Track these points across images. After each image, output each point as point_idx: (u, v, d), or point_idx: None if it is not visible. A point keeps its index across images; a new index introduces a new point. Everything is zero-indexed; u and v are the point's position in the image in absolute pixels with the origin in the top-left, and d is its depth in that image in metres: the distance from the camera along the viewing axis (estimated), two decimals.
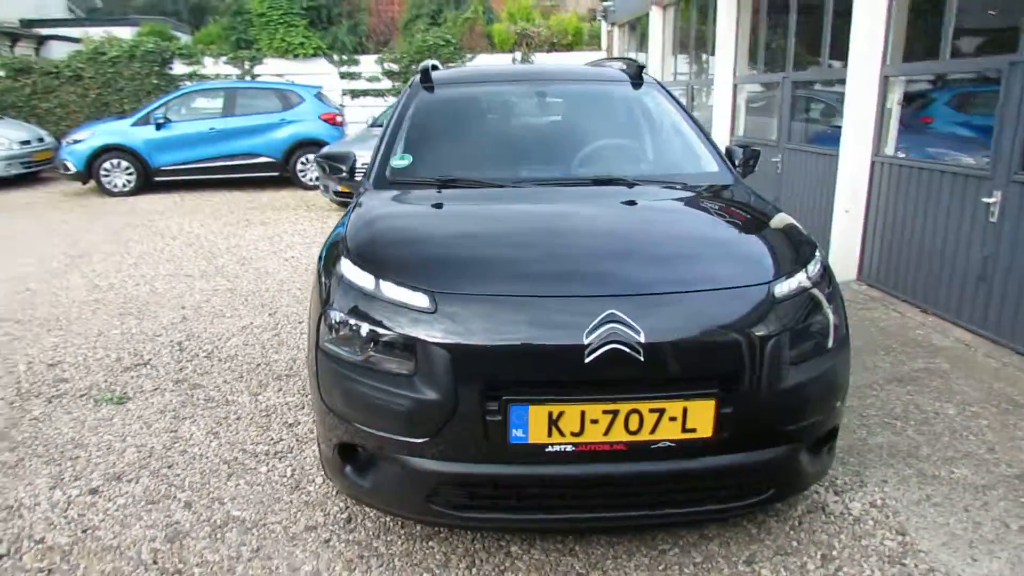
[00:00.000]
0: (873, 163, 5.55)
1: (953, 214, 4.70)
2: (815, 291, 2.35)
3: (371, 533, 2.65)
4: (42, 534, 2.67)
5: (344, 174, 3.40)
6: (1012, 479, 2.95)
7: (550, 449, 2.10)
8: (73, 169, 11.11)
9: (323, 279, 2.47)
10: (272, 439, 3.38)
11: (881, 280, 5.54)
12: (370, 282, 2.28)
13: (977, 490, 2.89)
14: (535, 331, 2.10)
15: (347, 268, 2.38)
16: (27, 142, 12.13)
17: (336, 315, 2.30)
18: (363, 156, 3.71)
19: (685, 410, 2.09)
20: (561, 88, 3.82)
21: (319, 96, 12.11)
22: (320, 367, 2.33)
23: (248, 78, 14.32)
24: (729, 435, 2.14)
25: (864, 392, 3.79)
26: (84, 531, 2.68)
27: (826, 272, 2.48)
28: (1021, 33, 4.18)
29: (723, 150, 3.45)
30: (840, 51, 5.87)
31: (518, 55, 14.47)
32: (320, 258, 2.66)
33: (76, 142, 11.15)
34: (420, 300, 2.17)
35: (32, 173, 12.38)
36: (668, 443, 2.11)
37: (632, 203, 2.80)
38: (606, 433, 2.09)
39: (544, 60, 14.08)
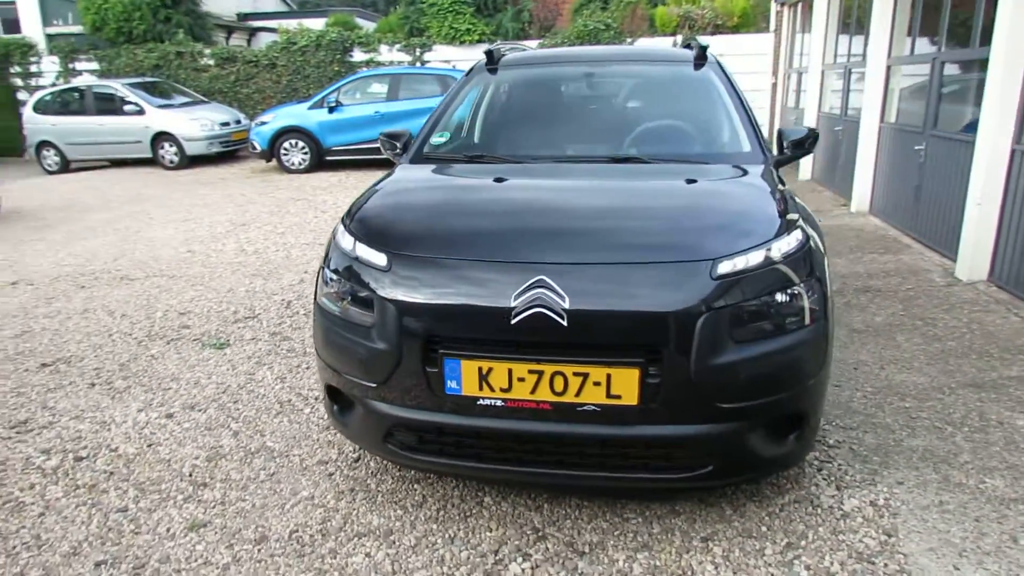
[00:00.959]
0: (1014, 152, 4.94)
1: None
2: (781, 271, 2.28)
3: (369, 472, 2.94)
4: (117, 444, 3.24)
5: (398, 150, 3.70)
6: None
7: (482, 402, 2.25)
8: (259, 148, 12.53)
9: (329, 242, 2.78)
10: None
11: (1013, 282, 4.94)
12: (350, 243, 2.55)
13: (1001, 502, 2.63)
14: (470, 292, 2.26)
15: (340, 232, 2.66)
16: (227, 123, 13.82)
17: (328, 273, 2.59)
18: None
19: (609, 376, 2.15)
20: (615, 69, 3.86)
21: None
22: (315, 319, 2.64)
23: (418, 64, 15.23)
24: (657, 406, 2.17)
25: (928, 394, 3.50)
26: (149, 446, 3.22)
27: (806, 255, 2.38)
28: None
29: (764, 132, 3.32)
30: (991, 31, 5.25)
31: (679, 38, 14.11)
32: None
33: (262, 124, 12.55)
34: (379, 259, 2.41)
35: (230, 151, 14.09)
36: (593, 407, 2.18)
37: (623, 181, 2.84)
38: (533, 392, 2.20)
39: (710, 41, 13.62)
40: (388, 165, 3.58)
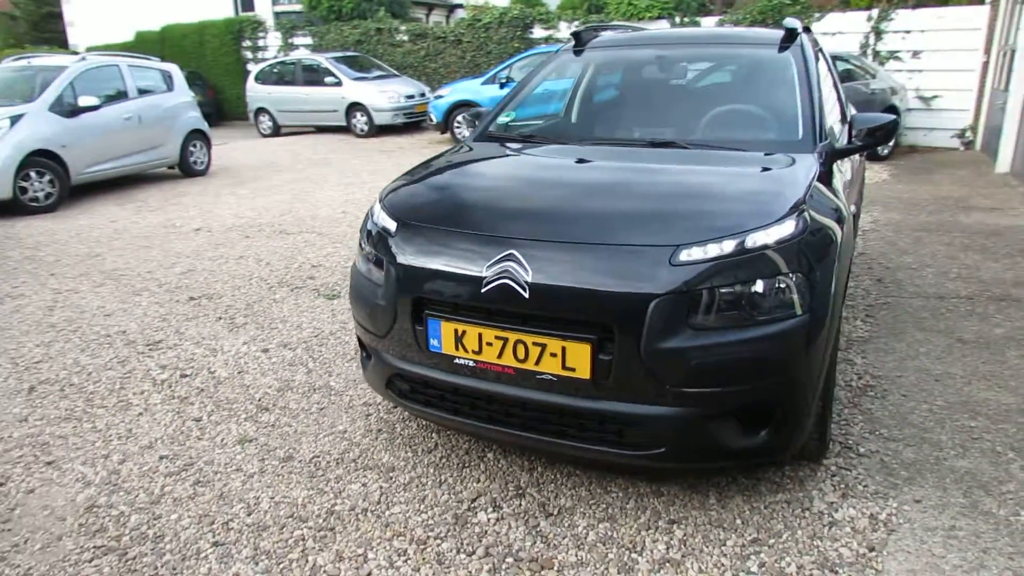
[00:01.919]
0: None
1: None
2: (758, 261, 2.24)
3: (399, 417, 3.26)
4: (216, 368, 3.83)
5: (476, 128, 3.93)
6: None
7: (457, 361, 2.46)
8: (435, 120, 13.33)
9: None
10: None
11: None
12: (377, 211, 2.84)
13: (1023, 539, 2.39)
14: (451, 260, 2.46)
15: (376, 202, 2.96)
16: (411, 96, 14.81)
17: (363, 237, 2.91)
18: None
19: (564, 349, 2.27)
20: (691, 53, 3.80)
21: None
22: (352, 278, 2.98)
23: None
24: (609, 382, 2.25)
25: (1008, 416, 3.17)
26: (239, 372, 3.78)
27: (798, 248, 2.31)
28: None
29: (839, 118, 3.16)
30: None
31: (874, 12, 12.91)
32: None
33: (439, 97, 13.33)
34: (391, 226, 2.68)
35: (415, 122, 15.09)
36: (550, 376, 2.31)
37: (634, 164, 2.90)
38: (499, 356, 2.37)
39: (906, 16, 12.32)
40: None
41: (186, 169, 10.16)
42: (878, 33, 12.13)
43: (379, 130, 14.69)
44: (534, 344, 2.31)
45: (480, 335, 2.39)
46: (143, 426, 3.22)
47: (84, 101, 8.38)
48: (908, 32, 11.98)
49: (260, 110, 15.93)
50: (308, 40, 17.95)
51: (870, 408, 3.28)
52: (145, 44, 21.01)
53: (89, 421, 3.26)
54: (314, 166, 11.01)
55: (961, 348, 3.92)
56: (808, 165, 2.79)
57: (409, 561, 2.33)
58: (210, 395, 3.52)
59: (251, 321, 4.53)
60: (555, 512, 2.58)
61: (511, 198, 2.71)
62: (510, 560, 2.34)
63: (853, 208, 4.00)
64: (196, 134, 10.26)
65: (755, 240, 2.27)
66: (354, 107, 14.74)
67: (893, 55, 12.15)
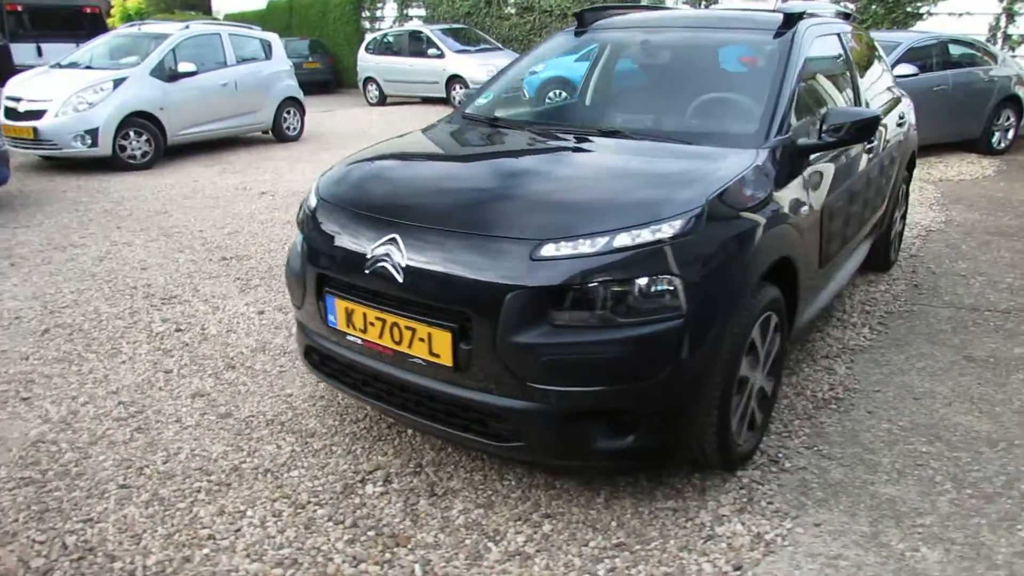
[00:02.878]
0: None
1: None
2: (631, 261, 2.17)
3: None
4: (209, 325, 4.11)
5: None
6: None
7: (349, 338, 2.55)
8: (527, 96, 13.31)
9: None
10: None
11: None
12: (312, 187, 2.95)
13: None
14: (346, 240, 2.53)
15: (318, 178, 3.07)
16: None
17: (299, 212, 3.03)
18: None
19: (430, 335, 2.30)
20: (683, 37, 3.64)
21: None
22: (290, 249, 3.11)
23: None
24: (469, 372, 2.27)
25: (971, 444, 2.90)
26: (227, 331, 4.04)
27: (679, 251, 2.21)
28: None
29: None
30: None
31: None
32: None
33: (533, 73, 13.27)
34: (312, 202, 2.80)
35: None
36: (421, 360, 2.36)
37: (560, 156, 2.86)
38: (380, 337, 2.44)
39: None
40: None
41: (279, 134, 10.74)
42: (1010, 15, 10.92)
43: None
44: (406, 328, 2.36)
45: (364, 315, 2.46)
46: (120, 373, 3.53)
47: (183, 67, 9.02)
48: None
49: (368, 79, 16.50)
50: (422, 12, 18.34)
51: (823, 422, 3.09)
52: (275, 13, 22.25)
53: (77, 364, 3.61)
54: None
55: (964, 366, 3.58)
56: (741, 161, 2.63)
57: (280, 522, 2.47)
58: (192, 350, 3.80)
59: (263, 284, 4.80)
60: (441, 493, 2.63)
61: (410, 182, 2.74)
62: (372, 533, 2.42)
63: (863, 209, 3.74)
64: (290, 101, 10.81)
65: (626, 239, 2.20)
66: (454, 79, 14.96)
67: None
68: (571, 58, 13.10)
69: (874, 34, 10.84)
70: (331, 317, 2.59)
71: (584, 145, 3.00)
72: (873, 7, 11.99)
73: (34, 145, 8.17)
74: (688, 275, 2.22)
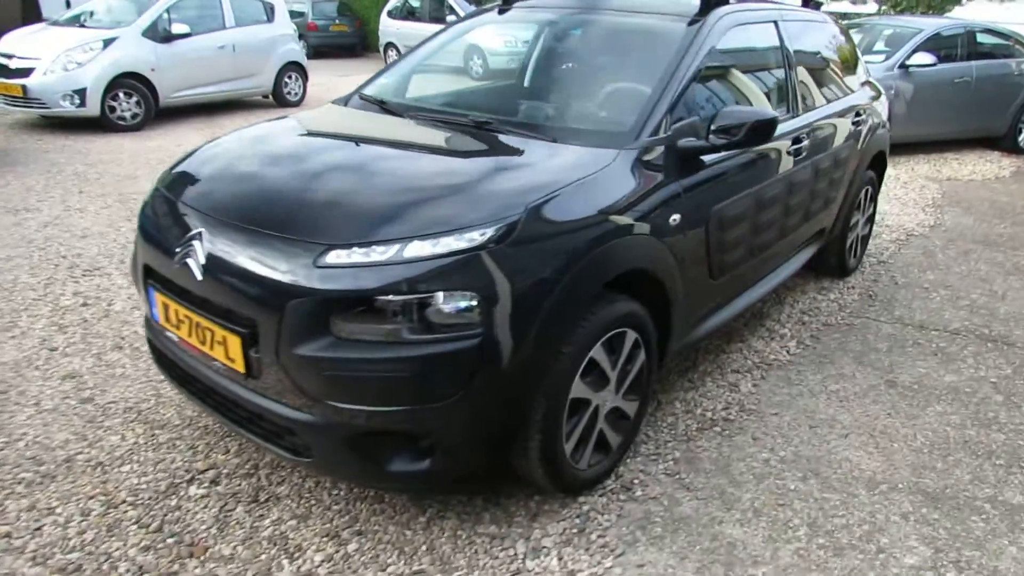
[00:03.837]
0: None
1: None
2: (419, 271, 2.00)
3: None
4: (115, 302, 4.05)
5: None
6: None
7: (168, 334, 2.44)
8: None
9: None
10: None
11: None
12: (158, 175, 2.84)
13: None
14: (164, 231, 2.41)
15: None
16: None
17: None
18: None
19: (225, 339, 2.18)
20: (595, 21, 3.38)
21: None
22: None
23: None
24: (264, 380, 2.14)
25: (848, 483, 2.67)
26: (131, 309, 3.97)
27: (479, 264, 2.03)
28: None
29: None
30: None
31: None
32: None
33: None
34: (149, 188, 2.67)
35: None
36: (220, 363, 2.23)
37: (398, 151, 2.72)
38: (189, 335, 2.32)
39: None
40: None
41: (280, 99, 10.66)
42: None
43: (494, 74, 14.55)
44: (207, 329, 2.23)
45: (176, 311, 2.34)
46: (4, 349, 3.49)
47: (177, 28, 8.96)
48: None
49: (388, 44, 16.32)
50: None
51: (700, 447, 2.89)
52: None
53: None
54: None
55: (881, 392, 3.33)
56: (592, 163, 2.43)
57: (85, 523, 2.39)
58: (88, 327, 3.74)
59: None
60: (263, 500, 2.53)
61: (233, 173, 2.58)
62: (171, 540, 2.33)
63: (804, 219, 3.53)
64: (292, 66, 10.71)
65: (424, 248, 2.03)
66: (471, 49, 14.66)
67: None
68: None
69: (891, 20, 10.25)
70: (154, 311, 2.48)
71: (433, 139, 2.82)
72: None
73: (23, 103, 8.22)
74: (493, 290, 2.04)
